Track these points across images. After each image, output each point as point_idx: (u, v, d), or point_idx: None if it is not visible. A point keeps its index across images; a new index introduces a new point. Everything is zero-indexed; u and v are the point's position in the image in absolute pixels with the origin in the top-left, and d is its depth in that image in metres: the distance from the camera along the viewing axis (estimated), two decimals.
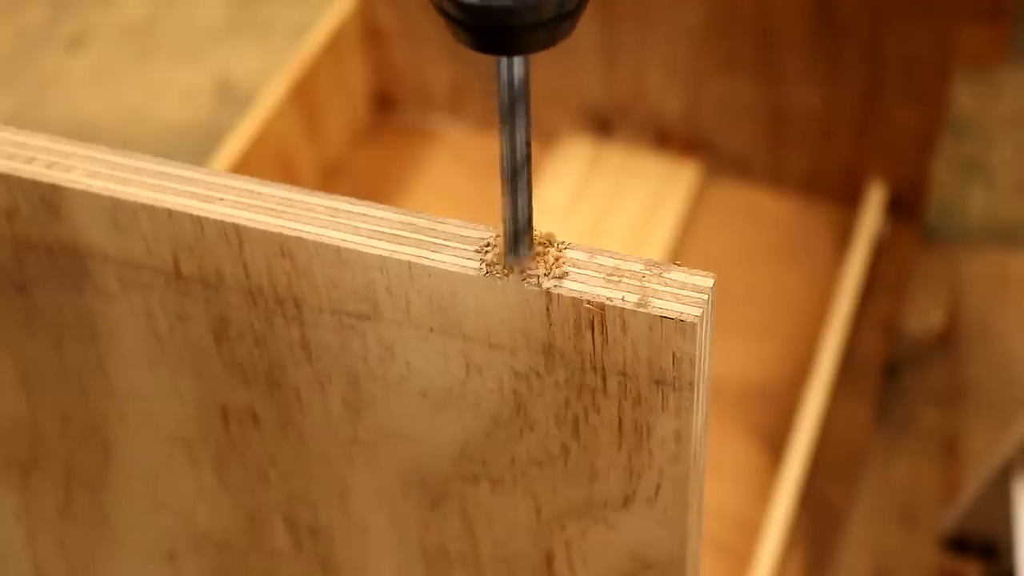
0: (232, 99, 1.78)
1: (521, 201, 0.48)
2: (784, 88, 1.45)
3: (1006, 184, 1.63)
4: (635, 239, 1.45)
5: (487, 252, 0.49)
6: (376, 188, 1.54)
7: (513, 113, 0.47)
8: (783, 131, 1.48)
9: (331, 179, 1.54)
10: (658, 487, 0.53)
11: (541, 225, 0.49)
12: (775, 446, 1.28)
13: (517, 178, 0.48)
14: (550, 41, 0.45)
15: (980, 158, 1.66)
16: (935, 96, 1.40)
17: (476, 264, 0.49)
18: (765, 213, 1.50)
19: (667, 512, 0.54)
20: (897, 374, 1.40)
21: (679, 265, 0.48)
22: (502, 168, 0.48)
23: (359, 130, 1.60)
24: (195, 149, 1.67)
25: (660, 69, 1.49)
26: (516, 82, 0.46)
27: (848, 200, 1.49)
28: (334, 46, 1.51)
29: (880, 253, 1.46)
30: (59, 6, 1.94)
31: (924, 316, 1.46)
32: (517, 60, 0.46)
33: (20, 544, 0.76)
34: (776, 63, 1.43)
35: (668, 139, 1.54)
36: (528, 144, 0.48)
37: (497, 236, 0.50)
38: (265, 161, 1.42)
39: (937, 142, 1.43)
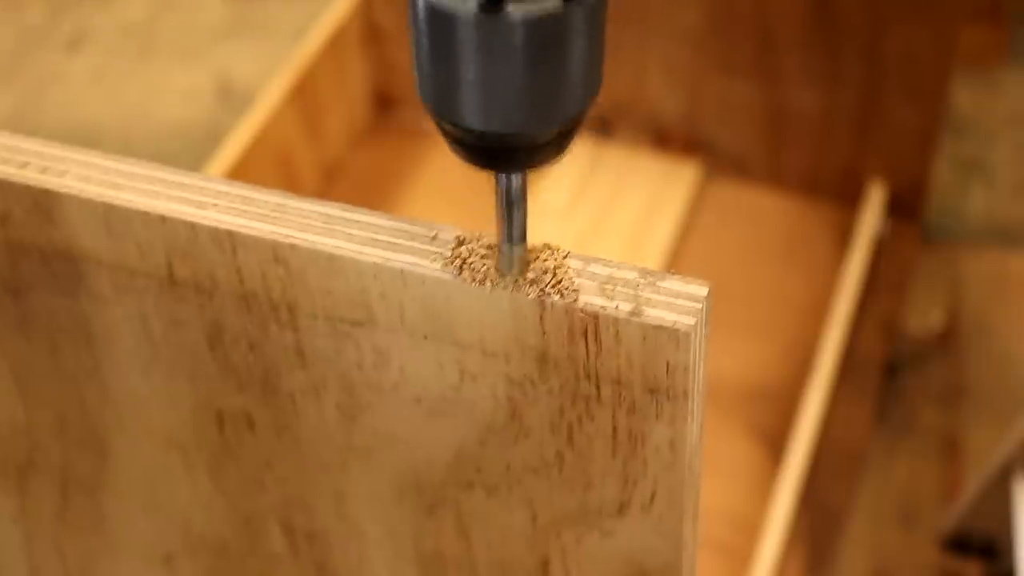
0: (232, 99, 1.78)
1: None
2: (783, 88, 1.44)
3: (1006, 184, 1.63)
4: (635, 239, 1.45)
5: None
6: (376, 189, 1.54)
7: (511, 215, 0.48)
8: (783, 131, 1.48)
9: (331, 179, 1.54)
10: (653, 495, 0.53)
11: (540, 225, 0.49)
12: (775, 446, 1.28)
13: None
14: (547, 159, 0.46)
15: (980, 158, 1.66)
16: (935, 96, 1.39)
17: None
18: (765, 213, 1.50)
19: (662, 520, 0.53)
20: (897, 374, 1.40)
21: (674, 273, 0.48)
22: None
23: (359, 130, 1.60)
24: (195, 149, 1.67)
25: (659, 69, 1.48)
26: (514, 191, 0.47)
27: (848, 200, 1.48)
28: (334, 46, 1.51)
29: (880, 253, 1.45)
30: (59, 6, 1.94)
31: (924, 316, 1.46)
32: (515, 174, 0.47)
33: (17, 547, 0.76)
34: (775, 63, 1.43)
35: (668, 139, 1.54)
36: (524, 234, 0.48)
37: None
38: (265, 161, 1.41)
39: (937, 142, 1.43)
